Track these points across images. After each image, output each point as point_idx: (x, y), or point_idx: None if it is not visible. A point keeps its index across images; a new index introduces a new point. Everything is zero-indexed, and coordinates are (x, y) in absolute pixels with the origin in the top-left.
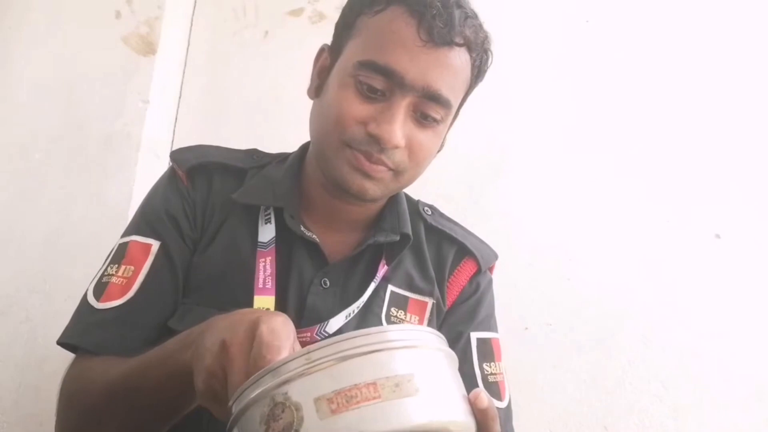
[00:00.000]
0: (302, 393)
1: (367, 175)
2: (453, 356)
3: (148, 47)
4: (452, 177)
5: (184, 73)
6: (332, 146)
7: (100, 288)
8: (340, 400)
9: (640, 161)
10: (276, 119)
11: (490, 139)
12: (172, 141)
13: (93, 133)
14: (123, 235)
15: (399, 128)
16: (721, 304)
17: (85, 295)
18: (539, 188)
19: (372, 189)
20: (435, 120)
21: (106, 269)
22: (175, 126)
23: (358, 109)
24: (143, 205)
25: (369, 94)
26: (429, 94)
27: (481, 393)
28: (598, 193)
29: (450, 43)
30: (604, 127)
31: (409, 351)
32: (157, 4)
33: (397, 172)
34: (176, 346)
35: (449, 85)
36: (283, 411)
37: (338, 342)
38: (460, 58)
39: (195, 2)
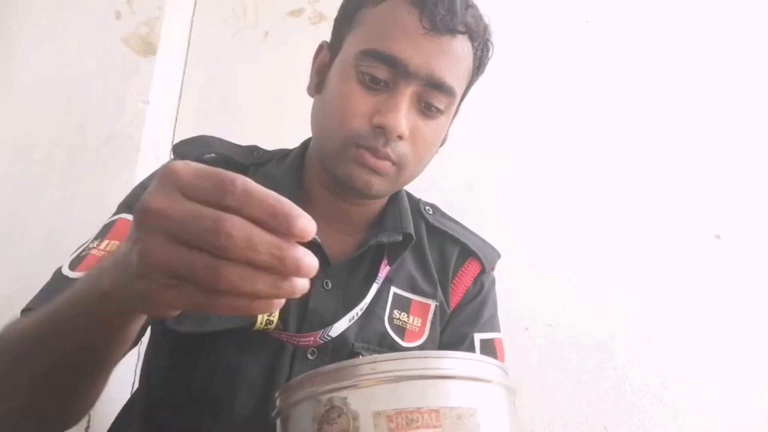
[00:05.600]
0: (362, 403)
1: (372, 171)
2: (514, 391)
3: (148, 48)
4: (453, 177)
5: (184, 73)
6: (336, 143)
7: (78, 260)
8: (400, 421)
9: (640, 161)
10: (276, 119)
11: (491, 139)
12: (172, 141)
13: (93, 134)
14: (111, 216)
15: (403, 117)
16: (721, 304)
17: (59, 269)
18: (539, 188)
19: (377, 184)
20: (438, 110)
21: (87, 245)
22: (175, 126)
23: (361, 101)
24: (136, 187)
25: (371, 85)
26: (433, 82)
27: None
28: (598, 193)
29: (453, 31)
30: (604, 128)
31: (475, 383)
32: (157, 5)
33: (400, 167)
34: (85, 286)
35: (453, 73)
36: (339, 416)
37: (407, 359)
38: (462, 47)
39: (195, 2)
